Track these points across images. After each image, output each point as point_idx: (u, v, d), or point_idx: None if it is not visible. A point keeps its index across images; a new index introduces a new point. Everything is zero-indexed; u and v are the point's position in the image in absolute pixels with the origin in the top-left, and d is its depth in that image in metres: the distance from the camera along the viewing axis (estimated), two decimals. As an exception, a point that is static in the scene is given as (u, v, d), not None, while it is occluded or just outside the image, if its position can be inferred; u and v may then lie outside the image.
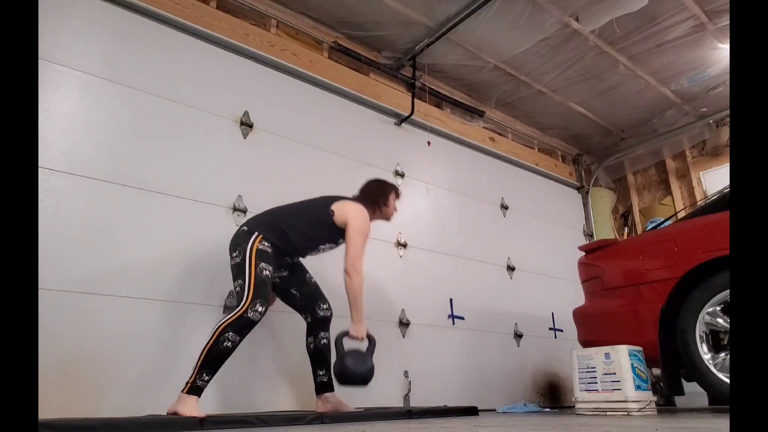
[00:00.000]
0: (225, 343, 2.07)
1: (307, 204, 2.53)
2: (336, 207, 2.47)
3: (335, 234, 2.47)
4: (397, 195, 2.73)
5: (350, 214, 2.45)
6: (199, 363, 2.07)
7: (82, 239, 2.42)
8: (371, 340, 2.44)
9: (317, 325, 2.51)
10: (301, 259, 2.60)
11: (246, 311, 2.13)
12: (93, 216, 2.49)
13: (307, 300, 2.52)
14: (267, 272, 2.25)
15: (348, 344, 2.38)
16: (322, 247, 2.51)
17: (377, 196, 2.64)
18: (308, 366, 2.55)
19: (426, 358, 3.56)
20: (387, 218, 2.71)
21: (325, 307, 2.55)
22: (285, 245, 2.38)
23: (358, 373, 2.34)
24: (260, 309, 2.15)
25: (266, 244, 2.31)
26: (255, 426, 1.98)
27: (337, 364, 2.35)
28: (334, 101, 3.75)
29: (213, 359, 2.07)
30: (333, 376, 2.40)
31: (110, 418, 1.99)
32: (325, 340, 2.49)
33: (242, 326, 2.12)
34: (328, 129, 3.62)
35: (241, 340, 2.13)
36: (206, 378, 2.07)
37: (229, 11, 3.35)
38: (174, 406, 2.03)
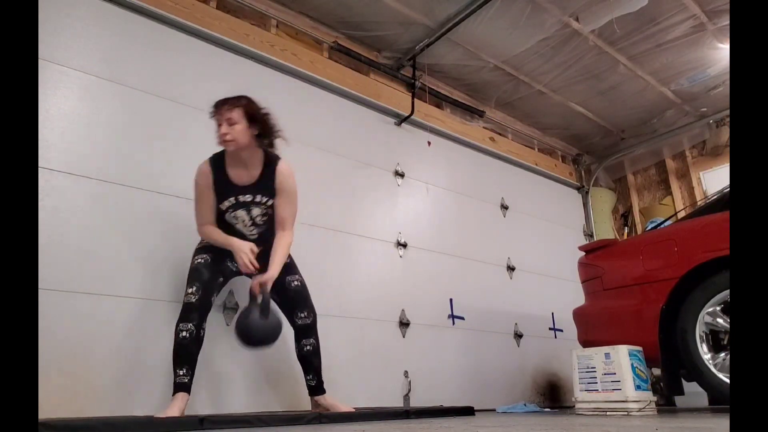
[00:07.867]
0: (181, 334, 2.16)
1: None
2: None
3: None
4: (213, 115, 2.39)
5: None
6: (172, 361, 2.16)
7: (82, 239, 2.42)
8: (264, 295, 2.17)
9: (298, 333, 2.47)
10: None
11: (183, 299, 2.24)
12: (93, 216, 2.49)
13: (287, 307, 2.46)
14: (201, 260, 2.32)
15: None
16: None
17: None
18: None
19: (426, 358, 3.56)
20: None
21: (303, 315, 2.45)
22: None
23: (259, 330, 2.14)
24: (190, 291, 2.23)
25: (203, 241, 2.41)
26: (255, 426, 1.98)
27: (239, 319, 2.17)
28: (334, 101, 3.74)
29: (178, 353, 2.16)
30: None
31: (110, 417, 2.00)
32: (308, 347, 2.45)
33: (185, 312, 2.20)
34: (327, 129, 3.61)
35: (197, 326, 2.18)
36: (182, 373, 2.12)
37: (229, 11, 3.35)
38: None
